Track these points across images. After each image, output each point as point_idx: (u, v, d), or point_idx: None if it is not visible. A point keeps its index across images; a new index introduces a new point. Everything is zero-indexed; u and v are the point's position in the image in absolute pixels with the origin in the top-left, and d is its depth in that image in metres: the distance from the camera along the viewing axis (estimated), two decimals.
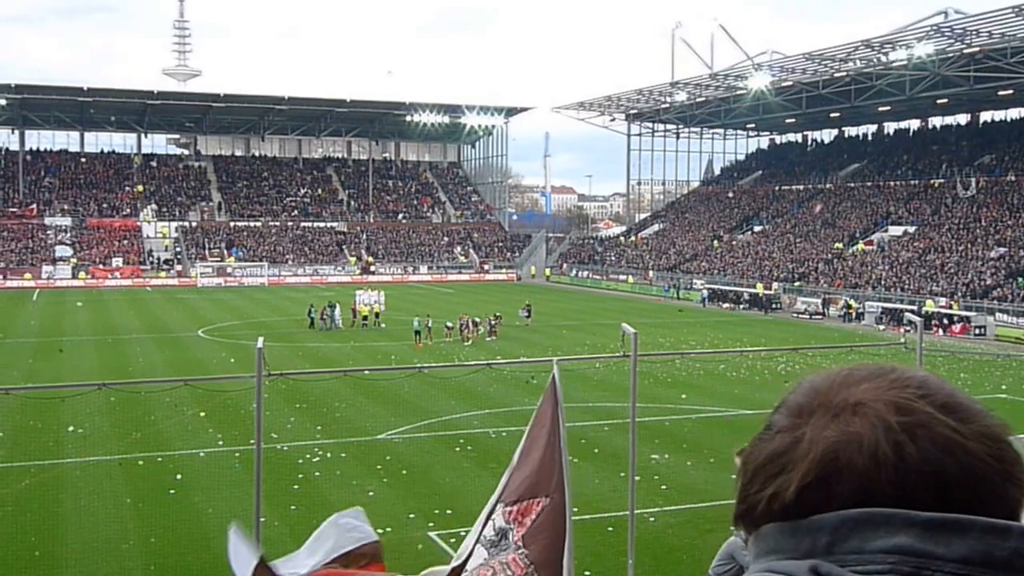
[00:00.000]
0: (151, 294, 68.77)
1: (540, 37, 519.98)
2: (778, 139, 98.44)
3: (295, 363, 33.82)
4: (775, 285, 63.62)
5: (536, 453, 3.74)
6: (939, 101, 70.92)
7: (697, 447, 21.97)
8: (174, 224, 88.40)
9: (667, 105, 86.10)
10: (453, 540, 14.70)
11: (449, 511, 16.97)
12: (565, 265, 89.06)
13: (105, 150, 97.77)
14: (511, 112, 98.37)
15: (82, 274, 76.98)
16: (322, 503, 17.00)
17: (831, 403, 1.01)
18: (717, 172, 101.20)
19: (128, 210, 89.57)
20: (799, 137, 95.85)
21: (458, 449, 22.01)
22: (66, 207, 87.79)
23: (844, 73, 67.15)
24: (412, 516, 16.99)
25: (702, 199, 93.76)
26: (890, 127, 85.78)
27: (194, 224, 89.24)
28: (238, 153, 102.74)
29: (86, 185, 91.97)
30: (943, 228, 63.13)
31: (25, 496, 18.03)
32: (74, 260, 79.75)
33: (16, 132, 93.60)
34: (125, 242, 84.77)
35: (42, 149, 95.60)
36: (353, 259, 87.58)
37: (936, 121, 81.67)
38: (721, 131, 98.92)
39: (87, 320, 50.15)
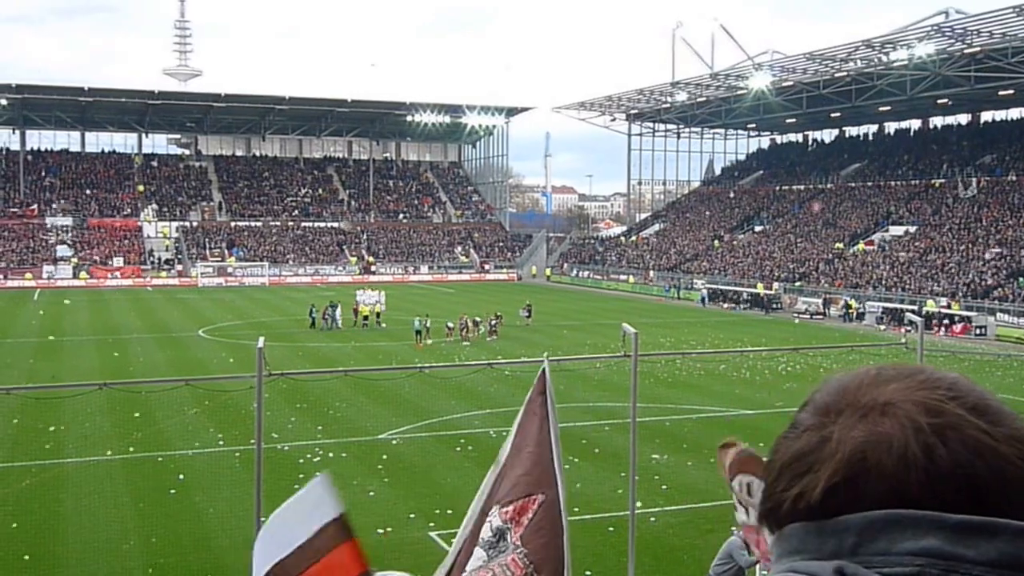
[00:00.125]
0: (152, 294, 68.79)
1: (540, 37, 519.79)
2: (779, 139, 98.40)
3: (296, 363, 33.83)
4: (776, 285, 63.61)
5: (528, 450, 3.68)
6: (940, 101, 70.91)
7: (697, 447, 21.95)
8: (175, 224, 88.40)
9: (668, 105, 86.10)
10: (454, 540, 14.66)
11: (450, 511, 16.94)
12: (566, 265, 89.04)
13: (106, 150, 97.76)
14: (512, 112, 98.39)
15: (83, 274, 77.01)
16: None
17: (859, 402, 0.99)
18: (718, 172, 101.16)
19: (129, 210, 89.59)
20: (800, 137, 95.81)
21: (459, 449, 22.03)
22: (67, 207, 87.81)
23: (845, 73, 67.15)
24: (412, 516, 17.01)
25: (703, 199, 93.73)
26: (891, 127, 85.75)
27: (195, 224, 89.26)
28: (239, 153, 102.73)
29: (87, 185, 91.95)
30: (944, 228, 63.11)
31: (26, 496, 18.05)
32: (75, 260, 79.75)
33: (17, 132, 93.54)
34: (126, 242, 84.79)
35: (43, 149, 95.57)
36: (354, 259, 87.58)
37: (937, 121, 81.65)
38: (722, 131, 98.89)
39: (87, 320, 50.16)
